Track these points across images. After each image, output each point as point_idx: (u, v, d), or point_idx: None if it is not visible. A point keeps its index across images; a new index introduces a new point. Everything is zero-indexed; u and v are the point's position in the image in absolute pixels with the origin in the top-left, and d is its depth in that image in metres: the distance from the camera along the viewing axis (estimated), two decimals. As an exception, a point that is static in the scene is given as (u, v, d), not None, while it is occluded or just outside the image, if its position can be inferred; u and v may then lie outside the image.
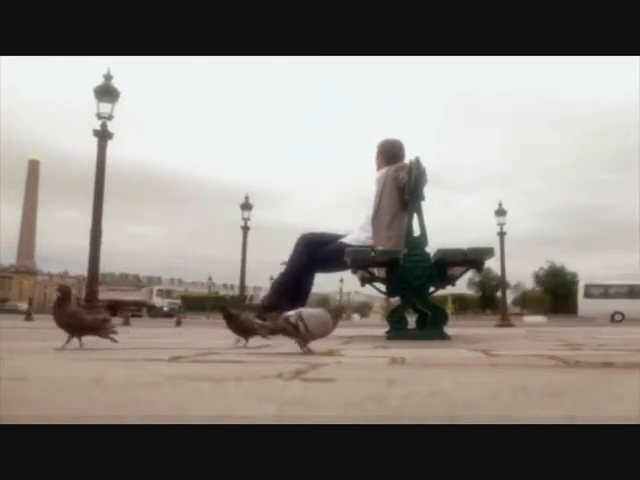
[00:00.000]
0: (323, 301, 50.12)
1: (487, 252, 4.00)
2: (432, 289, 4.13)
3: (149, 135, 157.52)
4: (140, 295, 43.61)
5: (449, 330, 4.07)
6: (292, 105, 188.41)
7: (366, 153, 5.58)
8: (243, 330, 2.70)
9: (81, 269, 11.80)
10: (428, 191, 4.27)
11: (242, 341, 2.72)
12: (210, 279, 64.17)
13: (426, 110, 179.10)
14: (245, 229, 20.10)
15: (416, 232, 4.09)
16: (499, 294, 25.87)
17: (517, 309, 59.39)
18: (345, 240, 4.72)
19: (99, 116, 9.76)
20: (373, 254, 3.97)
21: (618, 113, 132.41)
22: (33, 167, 78.46)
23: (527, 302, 65.63)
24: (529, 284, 70.27)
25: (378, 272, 4.30)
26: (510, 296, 51.31)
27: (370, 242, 4.55)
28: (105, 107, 9.80)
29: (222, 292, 71.43)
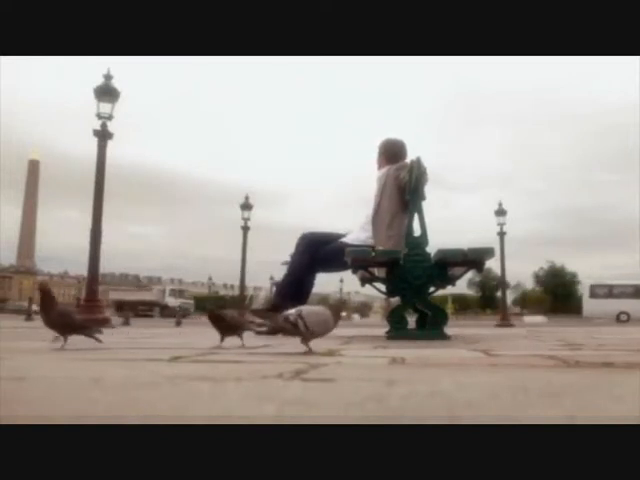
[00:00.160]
0: (323, 300, 50.06)
1: (487, 252, 3.99)
2: (432, 289, 4.12)
3: (149, 135, 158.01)
4: (152, 295, 43.59)
5: (449, 330, 4.07)
6: (292, 105, 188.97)
7: (366, 153, 5.60)
8: (233, 328, 2.68)
9: (81, 269, 11.78)
10: (428, 191, 4.27)
11: (224, 341, 2.68)
12: (210, 279, 64.08)
13: (426, 110, 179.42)
14: (245, 229, 20.08)
15: (416, 232, 4.08)
16: (499, 294, 25.85)
17: (517, 309, 59.43)
18: (345, 240, 4.71)
19: (99, 116, 9.74)
20: (373, 254, 3.97)
21: (618, 113, 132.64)
22: (33, 167, 78.57)
23: (527, 302, 65.70)
24: (529, 284, 70.49)
25: (378, 272, 4.29)
26: (510, 296, 51.45)
27: (370, 242, 4.54)
28: (105, 107, 9.78)
29: (222, 292, 71.47)
